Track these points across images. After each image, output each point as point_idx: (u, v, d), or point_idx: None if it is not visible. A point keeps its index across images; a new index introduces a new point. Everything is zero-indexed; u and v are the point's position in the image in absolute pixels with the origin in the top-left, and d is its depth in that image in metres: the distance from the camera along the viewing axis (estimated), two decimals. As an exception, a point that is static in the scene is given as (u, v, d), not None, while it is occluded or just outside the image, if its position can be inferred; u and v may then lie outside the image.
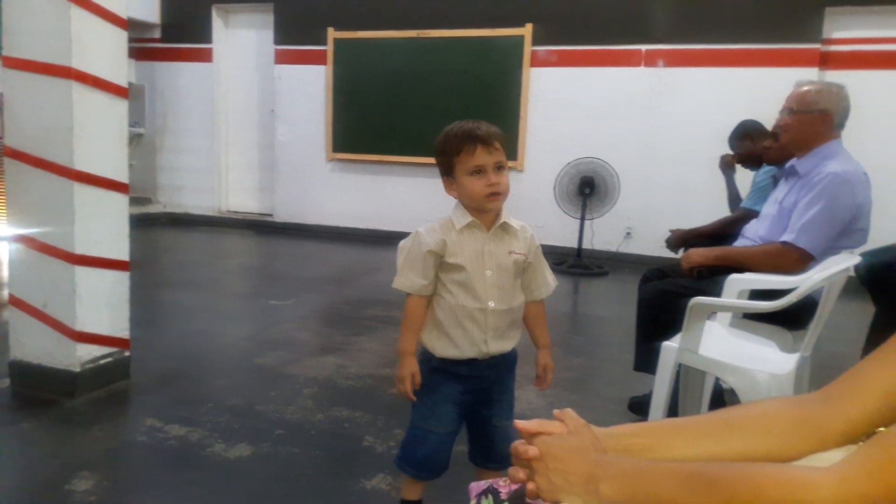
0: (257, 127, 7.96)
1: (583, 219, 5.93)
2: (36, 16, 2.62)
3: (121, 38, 2.82)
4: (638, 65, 6.32)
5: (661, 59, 6.25)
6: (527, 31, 6.57)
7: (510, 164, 6.57)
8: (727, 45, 6.02)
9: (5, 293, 2.86)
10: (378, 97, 7.14)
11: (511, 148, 6.71)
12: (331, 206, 7.36)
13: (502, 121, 6.68)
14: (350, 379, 3.03)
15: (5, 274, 2.93)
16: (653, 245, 6.08)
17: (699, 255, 2.57)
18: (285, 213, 7.70)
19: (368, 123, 7.14)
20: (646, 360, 2.55)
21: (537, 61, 6.61)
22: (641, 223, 6.33)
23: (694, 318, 2.02)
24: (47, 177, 2.66)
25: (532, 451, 0.89)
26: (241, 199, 8.14)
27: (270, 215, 7.82)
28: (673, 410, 2.24)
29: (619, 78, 6.37)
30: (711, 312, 2.22)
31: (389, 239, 7.08)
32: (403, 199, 7.08)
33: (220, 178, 8.07)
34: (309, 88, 7.44)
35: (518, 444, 0.93)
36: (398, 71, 7.04)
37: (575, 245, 6.06)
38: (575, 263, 5.90)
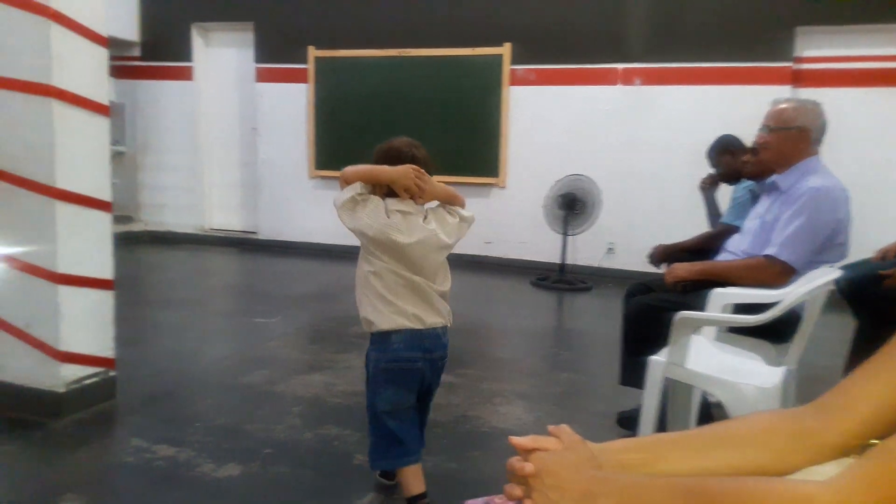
0: (239, 145, 7.94)
1: (566, 234, 5.99)
2: (16, 34, 2.61)
3: (101, 55, 2.81)
4: (615, 83, 6.41)
5: (637, 78, 6.35)
6: (505, 50, 6.65)
7: (491, 180, 6.63)
8: (702, 63, 6.13)
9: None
10: (359, 115, 7.16)
11: (492, 165, 6.78)
12: (313, 224, 7.34)
13: (483, 138, 6.75)
14: (338, 397, 3.02)
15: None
16: (634, 260, 6.14)
17: (683, 269, 2.61)
18: (269, 230, 7.67)
19: (350, 141, 7.15)
20: (632, 374, 2.58)
21: (516, 80, 6.69)
22: (622, 238, 6.39)
23: (680, 332, 2.05)
24: (29, 195, 2.64)
25: (528, 467, 0.89)
26: (224, 216, 8.09)
27: (254, 233, 7.78)
28: (661, 425, 2.27)
29: (597, 96, 6.46)
30: (697, 326, 2.26)
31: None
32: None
33: (202, 196, 8.02)
34: (290, 106, 7.43)
35: (514, 461, 0.92)
36: (379, 89, 7.07)
37: (557, 261, 6.10)
38: (558, 279, 5.94)
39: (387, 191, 1.96)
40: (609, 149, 6.41)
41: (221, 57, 7.98)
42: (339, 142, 7.23)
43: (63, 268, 2.66)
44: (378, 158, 2.03)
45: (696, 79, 6.16)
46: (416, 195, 1.94)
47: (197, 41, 7.87)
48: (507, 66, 6.66)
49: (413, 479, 1.96)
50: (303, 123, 7.37)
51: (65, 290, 2.67)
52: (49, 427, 2.58)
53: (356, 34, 7.11)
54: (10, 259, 2.69)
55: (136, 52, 7.96)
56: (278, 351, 3.75)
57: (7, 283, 2.72)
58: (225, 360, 3.57)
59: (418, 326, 1.92)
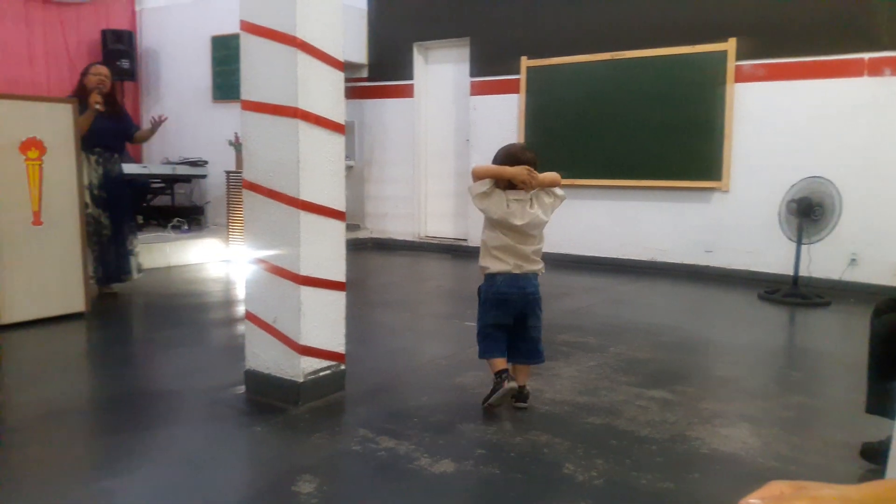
0: (453, 156, 8.29)
1: (800, 243, 5.44)
2: (268, 63, 2.92)
3: (338, 79, 3.04)
4: (860, 75, 5.72)
5: (887, 68, 5.61)
6: (730, 45, 6.23)
7: (713, 184, 6.23)
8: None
9: (243, 309, 3.22)
10: (570, 121, 7.13)
11: (714, 168, 6.37)
12: (523, 231, 7.42)
13: (704, 140, 6.38)
14: (547, 404, 3.03)
15: (243, 292, 3.30)
16: (883, 273, 5.44)
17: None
18: (478, 237, 7.88)
19: (559, 149, 7.12)
20: (880, 401, 2.29)
21: (742, 76, 6.24)
22: (868, 249, 5.67)
23: (946, 356, 1.77)
24: (277, 206, 2.95)
25: None
26: (438, 224, 8.51)
27: (465, 240, 8.07)
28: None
29: (838, 90, 5.81)
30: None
31: (580, 263, 7.01)
32: (595, 222, 6.98)
33: (419, 206, 8.50)
34: (501, 117, 7.61)
35: None
36: (590, 94, 6.99)
37: (788, 272, 5.57)
38: (791, 292, 5.40)
39: (507, 184, 2.81)
40: (852, 148, 5.74)
41: (439, 73, 8.39)
42: (549, 150, 7.21)
43: (305, 270, 2.94)
44: (499, 160, 2.90)
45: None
46: (529, 186, 2.81)
47: (417, 59, 8.36)
48: (731, 63, 6.25)
49: (499, 363, 2.89)
50: (513, 133, 7.50)
51: (306, 291, 2.95)
52: (289, 413, 2.88)
53: (568, 41, 7.10)
54: (262, 262, 3.05)
55: (364, 74, 8.64)
56: (489, 355, 3.83)
57: (259, 283, 3.08)
58: (440, 360, 3.74)
59: (516, 271, 2.87)
